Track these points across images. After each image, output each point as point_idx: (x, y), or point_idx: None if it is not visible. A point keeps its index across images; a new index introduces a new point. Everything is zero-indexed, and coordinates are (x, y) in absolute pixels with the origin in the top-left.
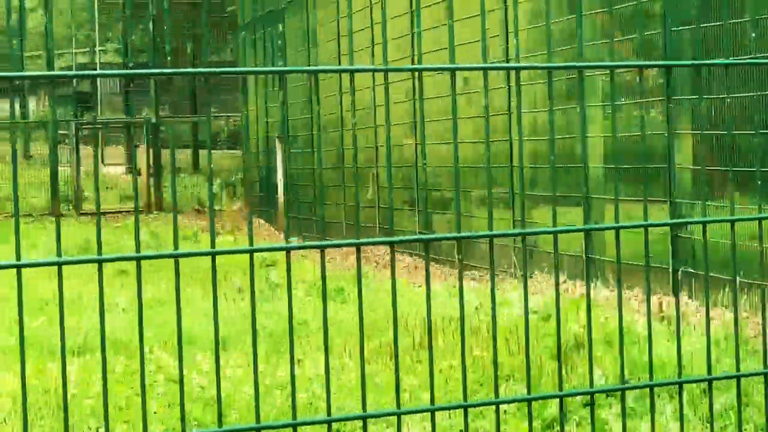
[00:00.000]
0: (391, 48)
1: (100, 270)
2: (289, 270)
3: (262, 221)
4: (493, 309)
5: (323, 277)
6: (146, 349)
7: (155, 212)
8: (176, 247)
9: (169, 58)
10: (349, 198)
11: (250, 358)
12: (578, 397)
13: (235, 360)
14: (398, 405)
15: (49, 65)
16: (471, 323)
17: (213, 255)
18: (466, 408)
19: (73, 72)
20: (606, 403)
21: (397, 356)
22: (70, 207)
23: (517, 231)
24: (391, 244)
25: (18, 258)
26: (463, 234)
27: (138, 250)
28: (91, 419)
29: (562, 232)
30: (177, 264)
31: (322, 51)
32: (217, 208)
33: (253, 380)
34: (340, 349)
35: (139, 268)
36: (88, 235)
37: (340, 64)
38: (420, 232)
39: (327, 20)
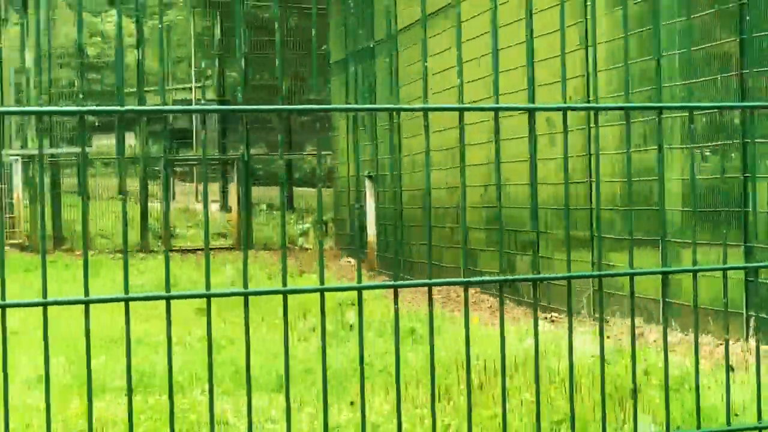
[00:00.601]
0: (475, 87)
1: (168, 307)
2: (360, 310)
3: (352, 260)
4: (570, 350)
5: (396, 318)
6: (200, 390)
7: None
8: (245, 285)
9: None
10: (435, 238)
11: (306, 398)
12: None
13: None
14: None
15: (141, 101)
16: (530, 367)
17: (284, 294)
18: None
19: (144, 107)
20: None
21: (432, 396)
22: (160, 243)
23: (594, 273)
24: (465, 285)
25: (86, 294)
26: (539, 276)
27: (208, 288)
28: None
29: (639, 274)
30: (246, 302)
31: (411, 89)
32: (308, 246)
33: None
34: (403, 390)
35: (209, 306)
36: (175, 271)
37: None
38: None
39: (412, 60)
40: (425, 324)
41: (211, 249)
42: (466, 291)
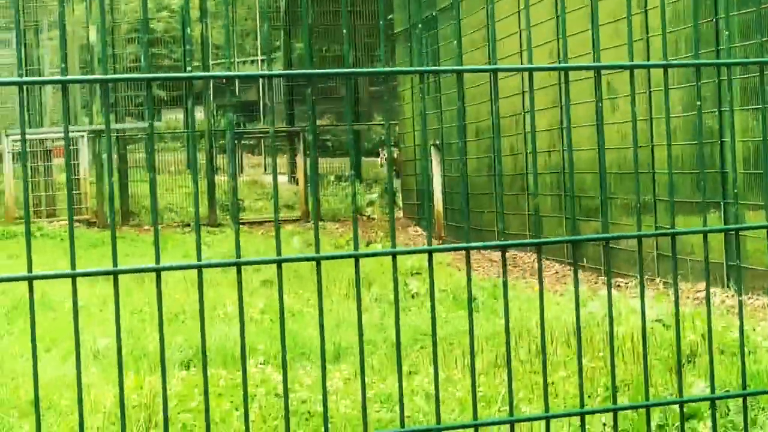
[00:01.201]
0: (537, 53)
1: (239, 273)
2: (431, 273)
3: (419, 230)
4: (643, 311)
5: (468, 278)
6: (254, 362)
7: (312, 221)
8: (317, 250)
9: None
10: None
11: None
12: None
13: (342, 372)
14: (511, 412)
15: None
16: (591, 331)
17: (356, 257)
18: (583, 415)
19: (209, 74)
20: (707, 415)
21: (510, 366)
22: (228, 217)
23: (667, 231)
24: (537, 245)
25: (157, 261)
26: (610, 235)
27: (279, 253)
28: None
29: (712, 231)
30: (319, 266)
31: (475, 56)
32: (374, 216)
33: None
34: (459, 359)
35: (280, 271)
36: (242, 244)
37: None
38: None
39: (476, 26)
40: (487, 292)
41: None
42: (539, 251)
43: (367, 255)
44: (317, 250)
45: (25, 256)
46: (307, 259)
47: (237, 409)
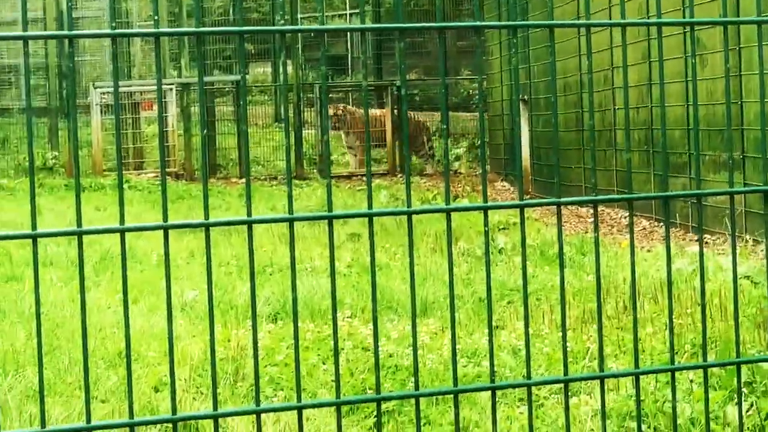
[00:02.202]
0: (629, 8)
1: (330, 227)
2: (523, 228)
3: (506, 185)
4: (734, 268)
5: (559, 233)
6: (341, 315)
7: (400, 175)
8: (408, 205)
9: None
10: (589, 161)
11: (446, 323)
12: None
13: (429, 327)
14: (601, 368)
15: (294, 24)
16: (678, 288)
17: (448, 212)
18: (673, 371)
19: (300, 27)
20: None
21: (600, 321)
22: (315, 171)
23: (760, 188)
24: (629, 201)
25: (249, 214)
26: (703, 191)
27: (370, 207)
28: (269, 387)
29: None
30: (410, 220)
31: (566, 10)
32: (462, 171)
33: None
34: (546, 315)
35: (371, 226)
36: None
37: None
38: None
39: None
40: (575, 248)
41: (363, 174)
42: (630, 207)
43: (458, 209)
44: (408, 205)
45: (112, 208)
46: (398, 213)
47: (324, 363)
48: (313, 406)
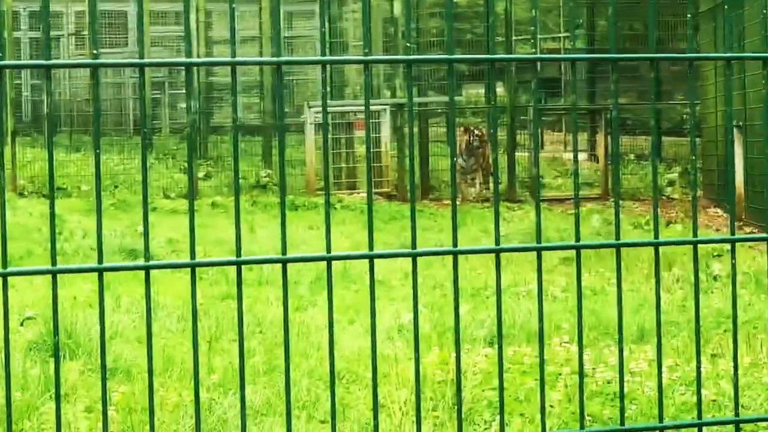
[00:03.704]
0: None
1: (539, 258)
2: (734, 263)
3: (719, 211)
4: None
5: None
6: (559, 340)
7: (612, 200)
8: (617, 237)
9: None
10: None
11: (667, 351)
12: None
13: (646, 353)
14: None
15: (508, 50)
16: None
17: (656, 246)
18: None
19: (512, 56)
20: None
21: None
22: (527, 193)
23: None
24: None
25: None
26: None
27: (578, 239)
28: (486, 411)
29: None
30: (618, 253)
31: None
32: (675, 196)
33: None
34: (765, 344)
35: (578, 258)
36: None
37: None
38: None
39: None
40: None
41: (579, 199)
42: None
43: (666, 243)
44: (617, 237)
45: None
46: (605, 246)
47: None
48: None
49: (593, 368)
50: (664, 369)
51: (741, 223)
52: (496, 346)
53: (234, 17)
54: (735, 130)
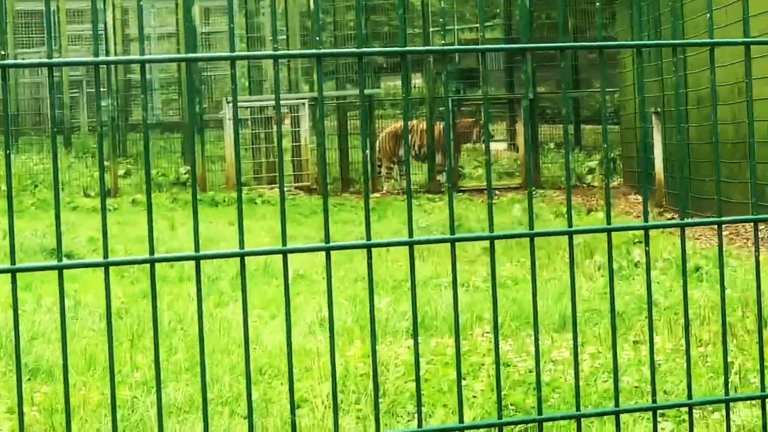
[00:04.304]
0: (761, 22)
1: (453, 250)
2: (647, 249)
3: (639, 197)
4: None
5: (683, 257)
6: (481, 330)
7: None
8: (531, 227)
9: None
10: (723, 174)
11: (588, 338)
12: None
13: (568, 341)
14: (726, 391)
15: (425, 42)
16: None
17: (570, 234)
18: None
19: (424, 48)
20: None
21: (725, 349)
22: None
23: None
24: (755, 222)
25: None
26: None
27: (491, 230)
28: (410, 403)
29: None
30: (532, 242)
31: (699, 22)
32: (595, 184)
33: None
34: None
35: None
36: (462, 212)
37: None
38: None
39: None
40: (711, 261)
41: (498, 188)
42: (755, 228)
43: (579, 232)
44: (531, 227)
45: (246, 222)
46: (519, 236)
47: (464, 378)
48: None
49: (516, 358)
50: (586, 356)
51: (662, 209)
52: (419, 337)
53: (142, 15)
54: (654, 116)
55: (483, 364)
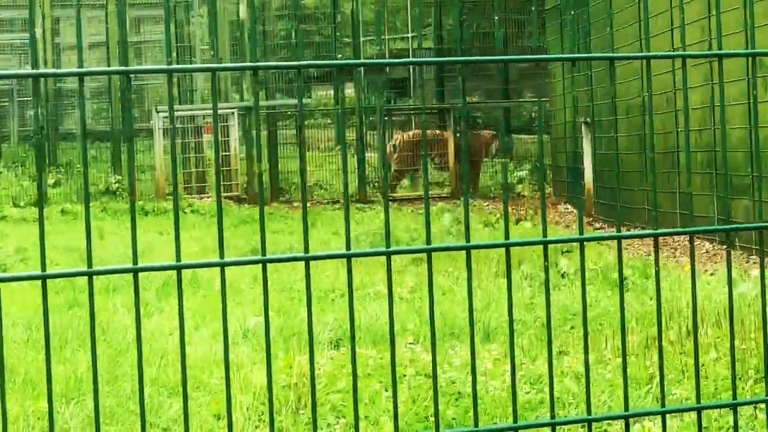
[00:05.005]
0: (690, 32)
1: (388, 263)
2: (583, 261)
3: (569, 207)
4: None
5: (620, 269)
6: (403, 341)
7: (461, 199)
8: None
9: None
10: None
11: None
12: None
13: (491, 353)
14: (663, 403)
15: (356, 53)
16: (742, 313)
17: (507, 246)
18: (735, 407)
19: (358, 61)
20: None
21: (661, 355)
22: (378, 194)
23: None
24: (690, 234)
25: (306, 250)
26: (766, 223)
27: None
28: (330, 415)
29: None
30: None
31: (628, 32)
32: (525, 193)
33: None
34: (609, 340)
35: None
36: (392, 221)
37: (641, 49)
38: (719, 218)
39: (627, 4)
40: (638, 271)
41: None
42: (691, 240)
43: (517, 244)
44: (467, 240)
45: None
46: (456, 249)
47: (386, 390)
48: None
49: (438, 369)
50: (507, 368)
51: (590, 219)
52: (342, 348)
53: (81, 27)
54: (583, 126)
55: (405, 375)
